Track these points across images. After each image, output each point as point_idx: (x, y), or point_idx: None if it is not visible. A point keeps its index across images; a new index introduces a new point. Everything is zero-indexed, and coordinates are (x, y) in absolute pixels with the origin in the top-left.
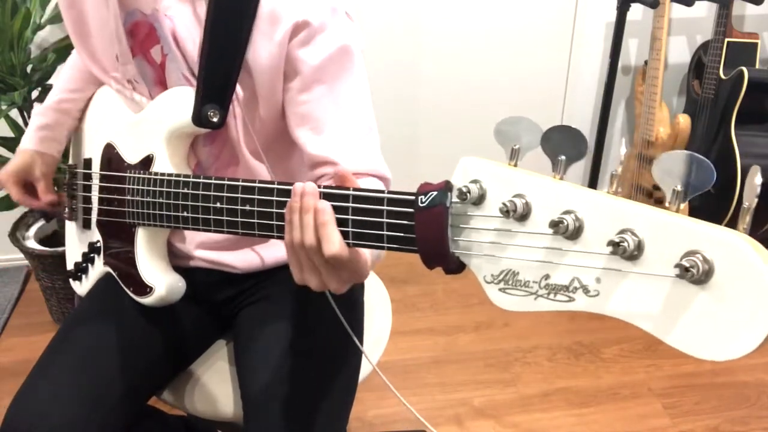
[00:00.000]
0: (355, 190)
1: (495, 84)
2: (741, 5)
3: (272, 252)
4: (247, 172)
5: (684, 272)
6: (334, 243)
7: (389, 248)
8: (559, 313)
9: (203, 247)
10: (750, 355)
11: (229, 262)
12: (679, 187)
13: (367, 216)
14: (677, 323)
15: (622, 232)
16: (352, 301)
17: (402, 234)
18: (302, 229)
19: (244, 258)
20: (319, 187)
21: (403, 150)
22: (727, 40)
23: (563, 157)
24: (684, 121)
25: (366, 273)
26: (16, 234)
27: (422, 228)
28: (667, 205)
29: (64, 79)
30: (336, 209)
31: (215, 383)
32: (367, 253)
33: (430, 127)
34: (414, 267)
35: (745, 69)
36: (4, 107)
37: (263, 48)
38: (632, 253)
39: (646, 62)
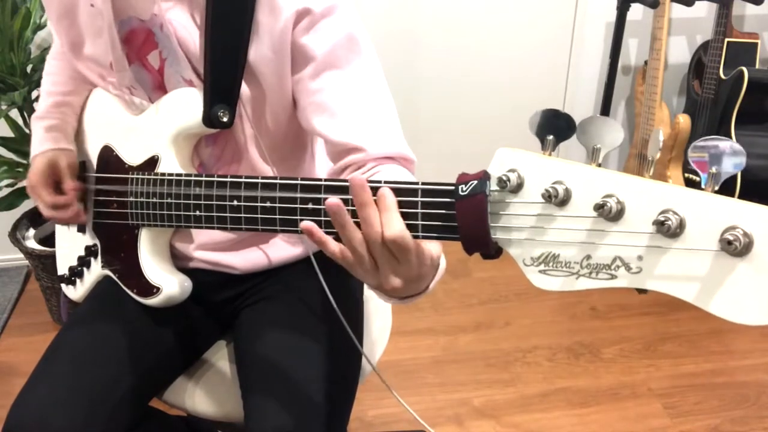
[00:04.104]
0: (386, 182)
1: (495, 84)
2: (741, 5)
3: (273, 252)
4: (250, 171)
5: (727, 246)
6: (395, 225)
7: (424, 237)
8: (559, 313)
9: (203, 248)
10: (750, 355)
11: (230, 263)
12: (714, 170)
13: (401, 207)
14: (718, 292)
15: (665, 212)
16: (352, 301)
17: (441, 223)
18: (368, 224)
19: (244, 259)
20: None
21: None
22: (727, 40)
23: (599, 146)
24: (684, 121)
25: (428, 269)
26: (16, 234)
27: (464, 216)
28: (703, 186)
29: (54, 82)
30: None
31: (216, 383)
32: (433, 251)
33: (430, 128)
34: None
35: (745, 69)
36: (4, 107)
37: (265, 42)
38: (675, 231)
39: (646, 62)
